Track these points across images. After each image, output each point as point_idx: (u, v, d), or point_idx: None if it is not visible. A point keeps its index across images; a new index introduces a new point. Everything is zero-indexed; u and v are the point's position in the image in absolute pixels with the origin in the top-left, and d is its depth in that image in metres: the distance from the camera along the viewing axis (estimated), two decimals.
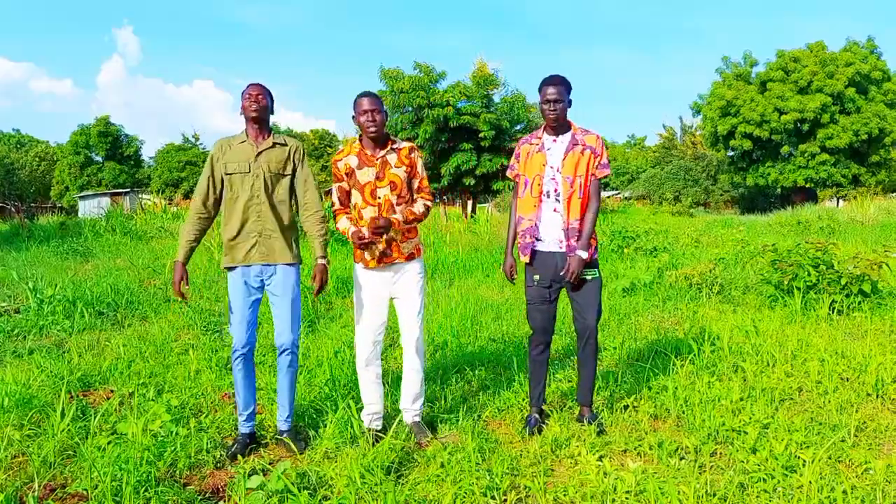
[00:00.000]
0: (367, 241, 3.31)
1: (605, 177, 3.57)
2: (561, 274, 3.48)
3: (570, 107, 3.53)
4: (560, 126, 3.53)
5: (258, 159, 3.34)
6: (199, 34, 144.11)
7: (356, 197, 3.46)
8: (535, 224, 3.54)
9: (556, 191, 3.51)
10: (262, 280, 3.39)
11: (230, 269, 3.38)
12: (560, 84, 3.44)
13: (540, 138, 3.59)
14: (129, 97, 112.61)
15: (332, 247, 11.46)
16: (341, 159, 3.48)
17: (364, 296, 3.50)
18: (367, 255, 3.46)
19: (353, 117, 3.42)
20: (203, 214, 3.39)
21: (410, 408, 3.60)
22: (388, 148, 3.45)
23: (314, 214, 3.45)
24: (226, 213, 3.38)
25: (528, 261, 3.55)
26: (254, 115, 3.34)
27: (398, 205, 3.44)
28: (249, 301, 3.35)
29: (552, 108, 3.44)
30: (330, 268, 8.49)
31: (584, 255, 3.43)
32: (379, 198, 3.42)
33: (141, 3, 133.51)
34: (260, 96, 3.37)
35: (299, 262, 3.47)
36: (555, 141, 3.56)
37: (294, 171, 3.44)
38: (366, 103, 3.34)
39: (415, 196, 3.54)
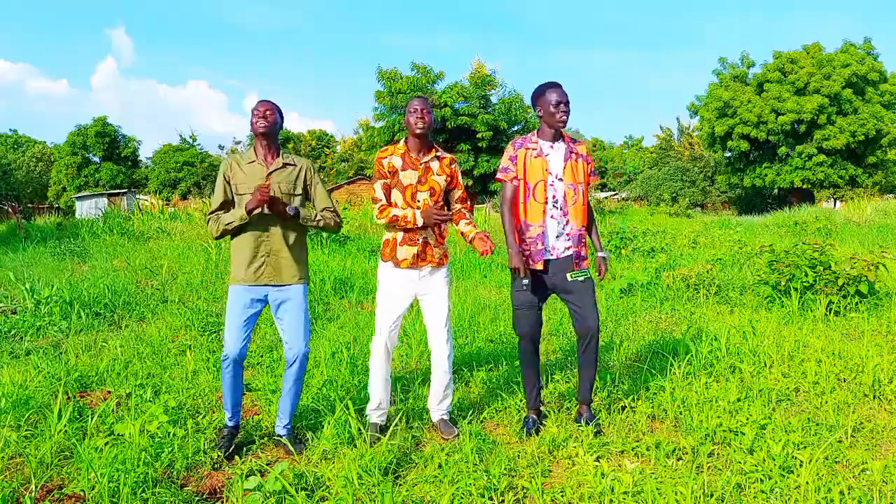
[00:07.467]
0: (436, 220, 3.40)
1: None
2: (600, 278, 3.71)
3: None
4: (558, 131, 3.57)
5: (269, 180, 3.34)
6: (193, 35, 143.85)
7: (396, 197, 3.54)
8: (545, 231, 3.54)
9: (554, 197, 3.52)
10: (266, 297, 3.41)
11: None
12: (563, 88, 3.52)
13: (536, 142, 3.58)
14: (123, 98, 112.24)
15: (329, 248, 11.45)
16: (386, 157, 3.58)
17: (386, 293, 3.58)
18: (399, 255, 3.52)
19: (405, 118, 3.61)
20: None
21: (437, 407, 3.69)
22: (433, 155, 3.57)
23: (334, 215, 3.53)
24: (236, 231, 3.38)
25: (541, 268, 3.54)
26: (262, 130, 3.35)
27: None
28: (248, 314, 3.36)
29: (565, 110, 3.48)
30: (323, 264, 8.53)
31: (606, 253, 3.60)
32: (418, 201, 3.51)
33: (133, 4, 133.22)
34: (268, 112, 3.38)
35: (307, 281, 3.51)
36: (552, 147, 3.57)
37: (305, 190, 3.48)
38: (417, 103, 3.51)
39: (455, 206, 3.69)
